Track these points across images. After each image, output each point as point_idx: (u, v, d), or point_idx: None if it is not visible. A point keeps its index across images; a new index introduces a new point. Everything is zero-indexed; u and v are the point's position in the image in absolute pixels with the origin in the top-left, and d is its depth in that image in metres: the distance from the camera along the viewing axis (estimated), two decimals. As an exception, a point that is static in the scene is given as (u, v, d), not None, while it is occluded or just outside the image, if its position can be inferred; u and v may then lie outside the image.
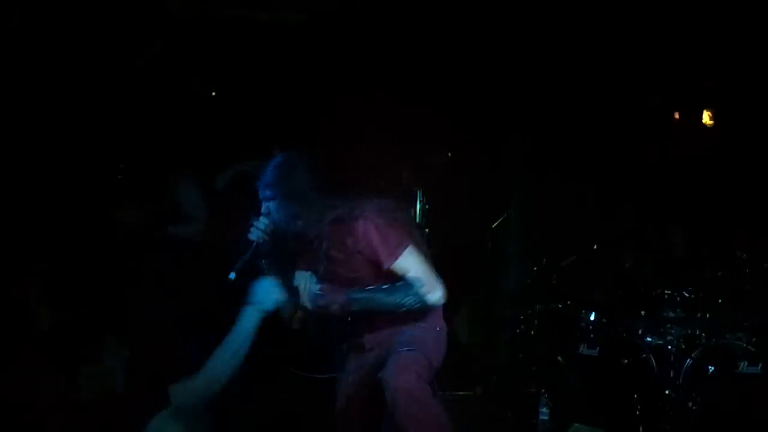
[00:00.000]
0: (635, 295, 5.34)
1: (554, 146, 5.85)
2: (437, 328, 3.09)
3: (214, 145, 4.94)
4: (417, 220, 5.18)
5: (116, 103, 4.72)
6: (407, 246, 2.92)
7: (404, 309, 2.90)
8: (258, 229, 3.02)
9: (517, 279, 5.68)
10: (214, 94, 5.36)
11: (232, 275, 2.93)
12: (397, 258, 2.90)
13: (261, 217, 3.05)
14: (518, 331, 5.34)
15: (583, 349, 5.05)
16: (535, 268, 5.54)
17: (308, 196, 2.96)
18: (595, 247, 5.48)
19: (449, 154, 5.38)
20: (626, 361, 4.95)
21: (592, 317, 5.23)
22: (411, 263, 2.92)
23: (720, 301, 5.04)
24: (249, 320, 2.92)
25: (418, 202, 5.22)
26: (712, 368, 4.72)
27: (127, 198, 4.48)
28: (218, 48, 5.11)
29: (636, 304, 5.26)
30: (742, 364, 4.63)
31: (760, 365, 4.58)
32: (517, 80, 5.69)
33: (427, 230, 5.12)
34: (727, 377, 4.65)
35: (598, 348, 5.03)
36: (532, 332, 5.26)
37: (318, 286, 2.94)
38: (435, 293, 2.93)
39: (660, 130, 6.19)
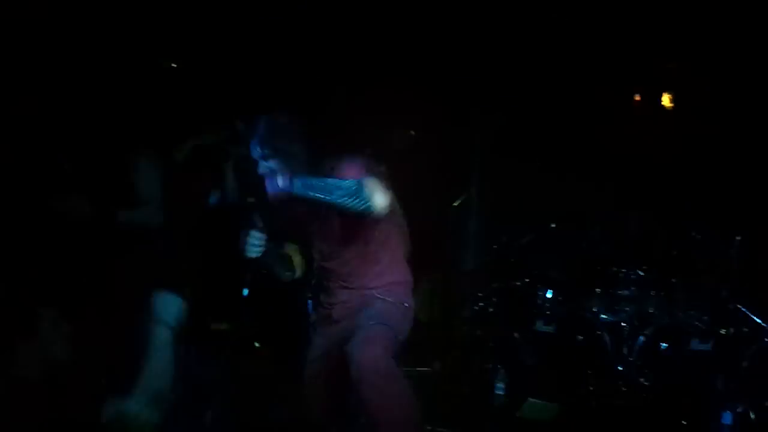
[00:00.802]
0: (591, 274, 5.43)
1: (515, 126, 5.88)
2: (405, 304, 3.11)
3: (170, 118, 4.83)
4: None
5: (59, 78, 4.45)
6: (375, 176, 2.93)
7: (346, 206, 2.87)
8: (254, 246, 3.05)
9: (477, 257, 5.72)
10: (174, 65, 5.26)
11: (245, 292, 2.96)
12: (361, 176, 2.92)
13: (253, 232, 3.08)
14: (476, 308, 5.39)
15: (539, 326, 5.13)
16: (494, 247, 5.60)
17: (305, 158, 3.04)
18: (552, 226, 5.54)
19: (412, 133, 5.38)
20: (581, 338, 5.04)
21: (548, 295, 5.31)
22: (372, 182, 2.90)
23: (673, 280, 5.15)
24: (160, 341, 2.88)
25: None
26: (665, 345, 4.83)
27: (73, 187, 4.08)
28: (177, 17, 5.01)
29: (591, 282, 5.35)
30: (694, 341, 4.75)
31: (711, 343, 4.71)
32: (480, 61, 5.70)
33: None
34: (679, 354, 4.77)
35: (554, 325, 5.11)
36: (490, 309, 5.32)
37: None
38: (379, 199, 2.87)
39: (618, 111, 6.26)
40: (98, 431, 3.21)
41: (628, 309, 5.12)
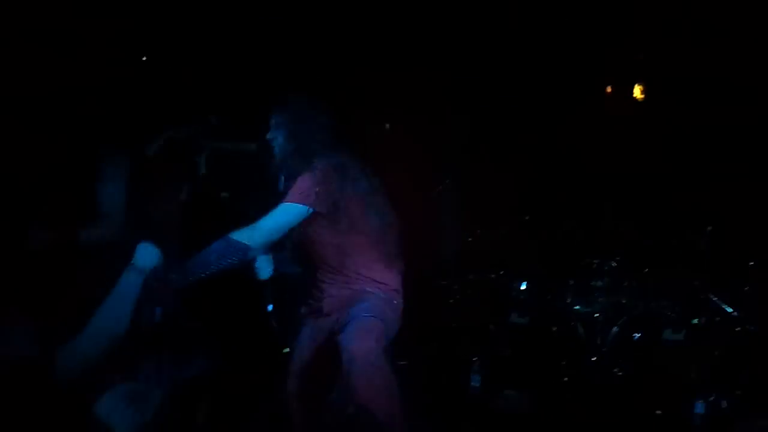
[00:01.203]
0: (565, 265, 5.47)
1: (491, 118, 5.89)
2: (394, 301, 3.12)
3: (143, 111, 4.74)
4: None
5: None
6: (300, 202, 2.94)
7: (232, 265, 2.88)
8: (265, 268, 3.13)
9: (452, 249, 5.73)
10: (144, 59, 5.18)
11: (270, 307, 3.06)
12: (285, 200, 2.96)
13: (262, 257, 3.13)
14: (452, 300, 5.41)
15: (514, 317, 5.16)
16: (469, 239, 5.61)
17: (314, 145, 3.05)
18: (526, 218, 5.57)
19: (387, 126, 5.37)
20: (555, 328, 5.07)
21: (523, 286, 5.34)
22: (279, 212, 2.95)
23: (646, 270, 5.20)
24: (128, 282, 2.85)
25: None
26: (638, 335, 4.88)
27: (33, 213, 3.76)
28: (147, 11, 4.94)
29: (565, 273, 5.39)
30: (666, 331, 4.81)
31: (683, 333, 4.76)
32: (454, 55, 5.70)
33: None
34: (652, 344, 4.82)
35: (528, 316, 5.14)
36: (465, 301, 5.33)
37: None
38: (256, 236, 2.92)
39: (592, 105, 6.30)
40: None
41: (601, 300, 5.17)
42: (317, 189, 2.94)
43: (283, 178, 3.08)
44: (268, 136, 3.08)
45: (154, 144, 4.39)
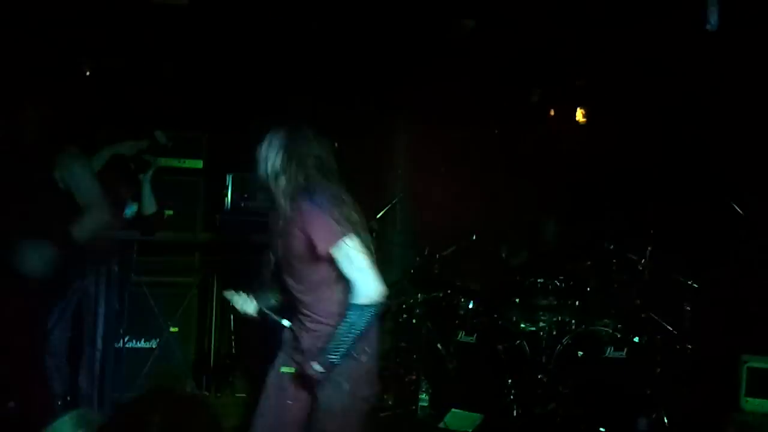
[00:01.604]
0: (510, 284, 5.53)
1: (437, 139, 5.95)
2: (367, 350, 2.93)
3: (90, 125, 4.66)
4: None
5: None
6: (345, 234, 2.82)
7: (365, 325, 2.82)
8: (242, 303, 3.08)
9: (400, 269, 5.75)
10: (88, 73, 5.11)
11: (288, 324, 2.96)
12: (332, 245, 2.81)
13: (230, 295, 3.10)
14: (400, 320, 5.41)
15: (461, 336, 5.18)
16: (417, 258, 5.64)
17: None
18: (473, 237, 5.63)
19: (335, 144, 5.36)
20: (501, 347, 5.12)
21: (470, 305, 5.38)
22: (349, 252, 2.81)
23: (588, 289, 5.30)
24: None
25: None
26: (581, 353, 4.95)
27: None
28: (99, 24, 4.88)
29: (511, 293, 5.45)
30: (609, 349, 4.89)
31: (625, 350, 4.85)
32: (402, 74, 5.75)
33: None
34: (595, 361, 4.90)
35: (475, 335, 5.18)
36: (414, 321, 5.35)
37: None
38: (372, 289, 2.81)
39: (536, 126, 6.43)
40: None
41: (546, 318, 5.24)
42: (336, 216, 2.83)
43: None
44: (262, 153, 2.97)
45: (98, 159, 4.32)
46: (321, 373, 2.79)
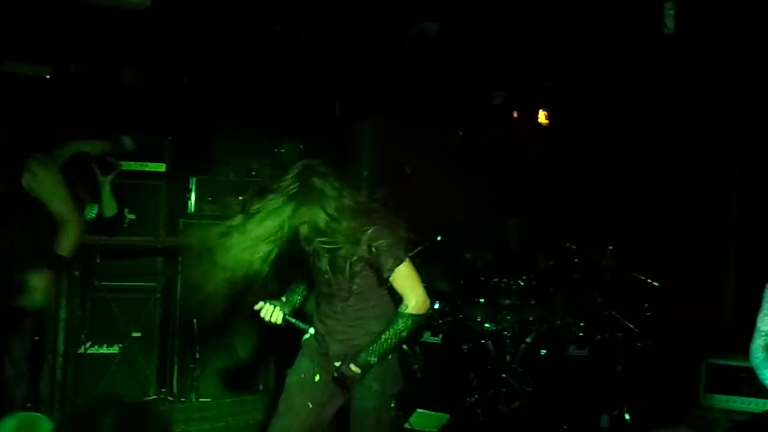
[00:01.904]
0: (475, 284, 5.58)
1: (401, 141, 5.97)
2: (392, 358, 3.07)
3: (55, 124, 4.60)
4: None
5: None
6: (406, 257, 2.95)
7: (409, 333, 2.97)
8: (271, 314, 3.08)
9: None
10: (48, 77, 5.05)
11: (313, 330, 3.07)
12: (395, 270, 2.92)
13: (263, 303, 3.08)
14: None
15: (427, 336, 5.21)
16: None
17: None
18: (438, 239, 5.66)
19: (301, 146, 5.37)
20: (466, 347, 5.16)
21: (436, 306, 5.41)
22: (405, 271, 2.94)
23: (551, 289, 5.36)
24: None
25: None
26: (545, 352, 5.01)
27: None
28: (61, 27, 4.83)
29: (475, 293, 5.50)
30: (571, 347, 4.95)
31: (587, 348, 4.92)
32: (366, 76, 5.77)
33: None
34: (558, 360, 4.96)
35: (441, 335, 5.21)
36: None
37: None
38: (422, 301, 2.96)
39: (499, 128, 6.48)
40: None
41: (510, 318, 5.30)
42: (397, 240, 2.95)
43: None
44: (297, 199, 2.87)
45: (62, 155, 4.25)
46: (356, 374, 2.91)
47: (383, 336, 2.93)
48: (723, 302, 5.58)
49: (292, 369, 3.12)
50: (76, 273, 4.50)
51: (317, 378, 3.06)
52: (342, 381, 2.97)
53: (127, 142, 4.73)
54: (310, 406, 3.04)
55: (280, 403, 3.09)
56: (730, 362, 4.64)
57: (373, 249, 2.89)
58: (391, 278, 2.92)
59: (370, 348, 2.92)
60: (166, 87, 5.34)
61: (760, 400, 4.26)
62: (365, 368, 2.92)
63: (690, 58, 5.25)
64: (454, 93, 6.11)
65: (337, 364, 2.94)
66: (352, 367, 2.91)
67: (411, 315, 2.94)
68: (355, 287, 2.98)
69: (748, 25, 4.86)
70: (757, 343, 3.17)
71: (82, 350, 4.64)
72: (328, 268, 2.94)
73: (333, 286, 3.00)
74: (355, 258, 2.90)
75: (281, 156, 5.38)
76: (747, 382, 4.34)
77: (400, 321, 2.94)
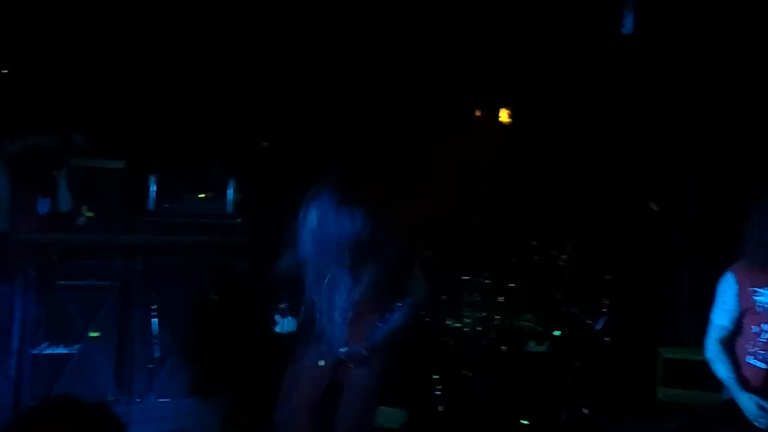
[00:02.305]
0: (436, 281, 5.59)
1: (366, 138, 5.96)
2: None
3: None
4: (228, 210, 5.05)
5: None
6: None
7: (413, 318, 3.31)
8: (282, 323, 3.30)
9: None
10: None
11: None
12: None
13: (279, 317, 3.30)
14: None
15: (388, 334, 5.20)
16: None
17: None
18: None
19: (265, 144, 5.34)
20: (428, 344, 5.18)
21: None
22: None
23: (512, 285, 5.41)
24: None
25: (230, 190, 5.08)
26: (505, 348, 5.05)
27: None
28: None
29: (437, 290, 5.51)
30: (531, 343, 5.01)
31: (546, 344, 4.98)
32: (329, 78, 5.76)
33: (239, 220, 5.03)
34: (518, 356, 5.01)
35: (402, 332, 5.20)
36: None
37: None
38: (425, 290, 3.37)
39: (462, 126, 6.51)
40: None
41: (471, 314, 5.33)
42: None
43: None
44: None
45: (13, 147, 4.18)
46: (364, 356, 3.17)
47: (393, 323, 3.23)
48: (679, 297, 5.70)
49: (295, 356, 3.27)
50: (33, 272, 4.42)
51: (322, 363, 3.21)
52: (343, 366, 3.18)
53: (78, 138, 4.65)
54: (315, 392, 3.22)
55: (286, 391, 3.25)
56: (686, 356, 4.73)
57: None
58: (394, 270, 3.19)
59: (380, 333, 3.20)
60: (126, 82, 5.27)
61: (714, 394, 4.35)
62: (372, 352, 3.17)
63: (648, 57, 5.33)
64: (416, 91, 6.13)
65: (343, 349, 3.16)
66: (361, 350, 3.16)
67: (415, 303, 3.28)
68: (379, 285, 3.19)
69: (707, 23, 4.95)
70: (712, 337, 3.25)
71: (37, 351, 4.56)
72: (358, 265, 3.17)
73: (339, 278, 3.20)
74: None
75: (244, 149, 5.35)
76: (702, 376, 4.43)
77: (407, 309, 3.25)
